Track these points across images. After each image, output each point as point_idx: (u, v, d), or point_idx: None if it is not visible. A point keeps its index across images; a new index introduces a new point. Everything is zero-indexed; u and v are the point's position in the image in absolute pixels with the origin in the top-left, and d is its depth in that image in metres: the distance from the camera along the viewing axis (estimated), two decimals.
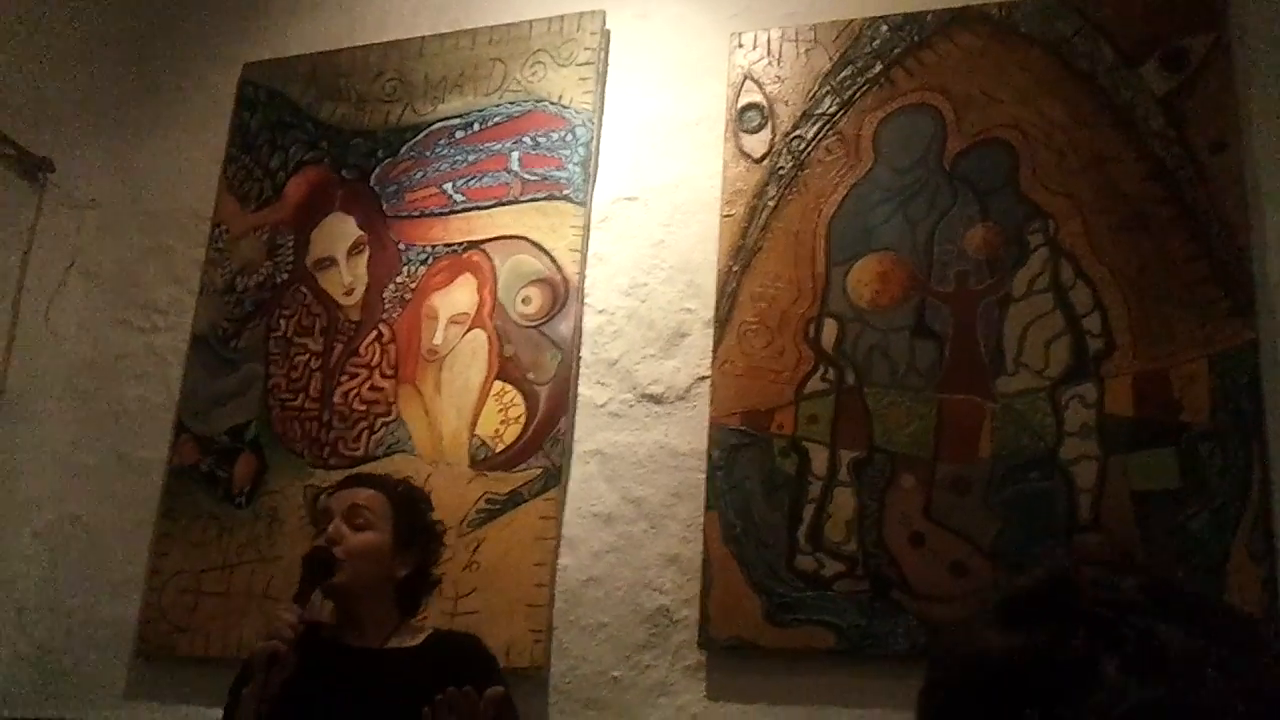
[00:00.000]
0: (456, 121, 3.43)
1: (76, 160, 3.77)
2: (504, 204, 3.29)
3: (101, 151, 3.84)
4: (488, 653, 2.57)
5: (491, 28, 3.49)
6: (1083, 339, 2.70)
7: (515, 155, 3.33)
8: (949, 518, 2.67)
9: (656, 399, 3.02)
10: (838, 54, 3.09)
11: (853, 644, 2.66)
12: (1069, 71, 2.89)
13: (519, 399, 3.09)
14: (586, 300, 3.16)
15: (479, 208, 3.31)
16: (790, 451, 2.82)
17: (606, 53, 3.38)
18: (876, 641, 2.64)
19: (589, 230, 3.21)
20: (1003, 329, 2.76)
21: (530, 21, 3.44)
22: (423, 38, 3.57)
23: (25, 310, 3.60)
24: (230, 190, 3.63)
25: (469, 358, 3.18)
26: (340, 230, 3.46)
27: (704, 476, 2.88)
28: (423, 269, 3.31)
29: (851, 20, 3.11)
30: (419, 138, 3.45)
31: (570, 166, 3.25)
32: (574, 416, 3.07)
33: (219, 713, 2.47)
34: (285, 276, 3.48)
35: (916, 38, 3.03)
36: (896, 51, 3.04)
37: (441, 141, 3.42)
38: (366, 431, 3.21)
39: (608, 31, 3.39)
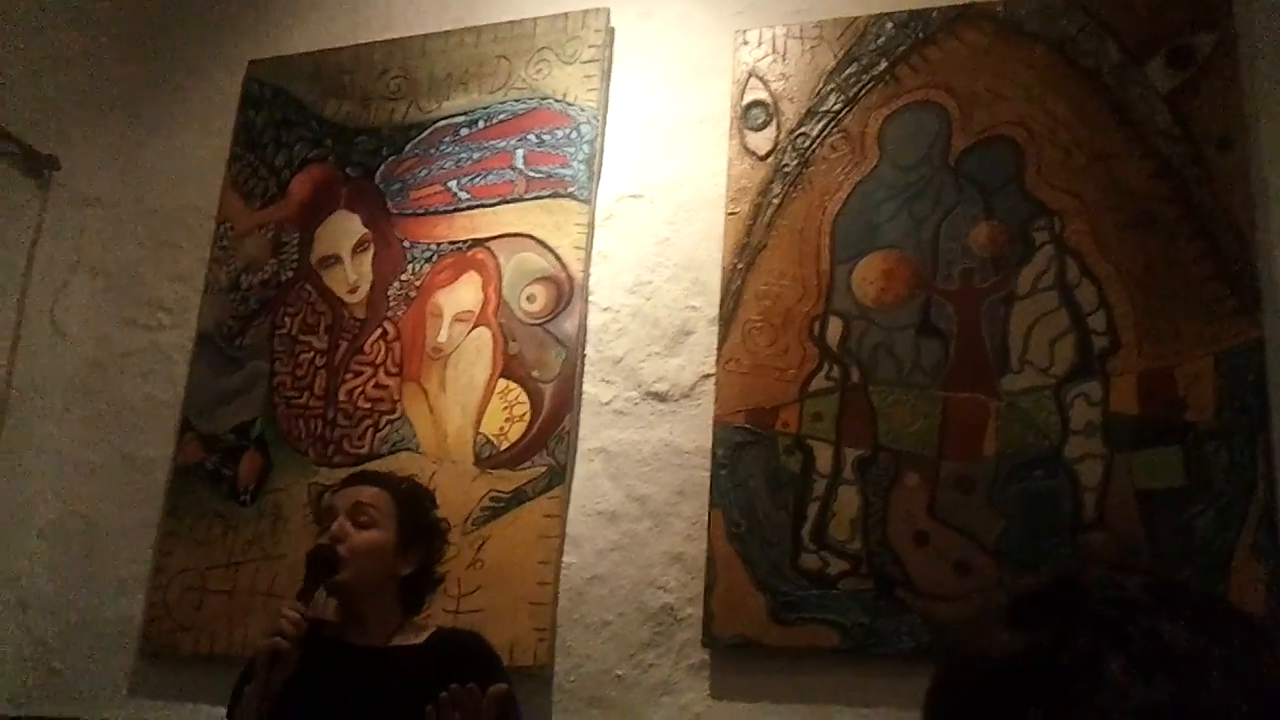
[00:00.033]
0: (461, 119, 3.43)
1: (81, 158, 3.77)
2: (508, 202, 3.29)
3: (106, 149, 3.84)
4: (491, 651, 2.57)
5: (496, 25, 3.49)
6: (1088, 337, 2.69)
7: (520, 153, 3.33)
8: (953, 516, 2.67)
9: (661, 397, 3.02)
10: (842, 51, 3.09)
11: (857, 643, 2.65)
12: (1074, 69, 2.88)
13: (523, 397, 3.09)
14: (591, 298, 3.16)
15: (484, 205, 3.31)
16: (795, 449, 2.82)
17: (611, 50, 3.37)
18: (881, 640, 2.63)
19: (593, 228, 3.21)
20: (1008, 327, 2.75)
21: (535, 19, 3.44)
22: (427, 35, 3.57)
23: (30, 308, 3.60)
24: (235, 188, 3.64)
25: (473, 355, 3.18)
26: (345, 228, 3.46)
27: (708, 474, 2.88)
28: (427, 267, 3.31)
29: (856, 17, 3.10)
30: (423, 135, 3.45)
31: (575, 164, 3.25)
32: (578, 414, 3.07)
33: (223, 711, 2.48)
34: (290, 274, 3.48)
35: (921, 35, 3.03)
36: (901, 49, 3.04)
37: (446, 139, 3.42)
38: (371, 429, 3.21)
39: (612, 29, 3.39)
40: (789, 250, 2.97)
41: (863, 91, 3.04)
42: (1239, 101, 2.75)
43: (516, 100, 3.38)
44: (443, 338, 3.23)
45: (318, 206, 3.52)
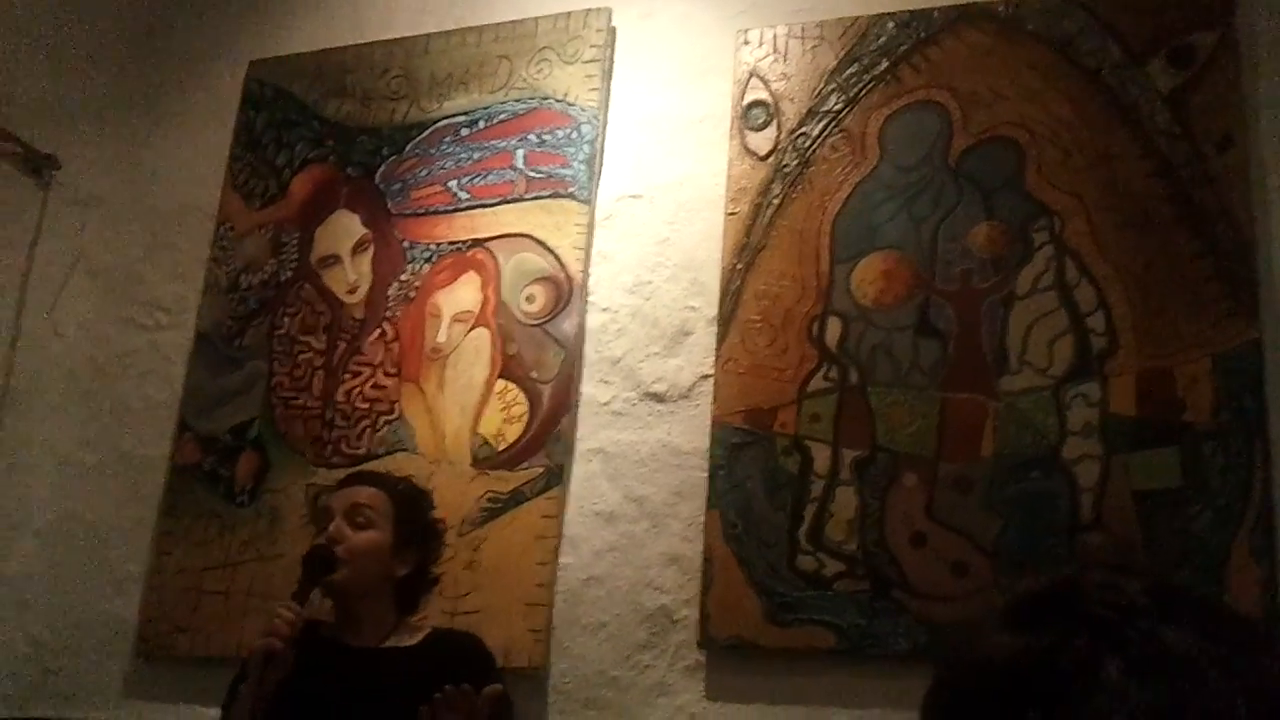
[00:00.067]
0: (462, 119, 3.42)
1: (82, 158, 3.77)
2: (508, 202, 3.28)
3: (107, 149, 3.84)
4: (486, 652, 2.57)
5: (497, 25, 3.49)
6: (1086, 337, 2.69)
7: (520, 153, 3.32)
8: (951, 517, 2.66)
9: (659, 397, 3.02)
10: (844, 51, 3.08)
11: (853, 644, 2.65)
12: (1075, 69, 2.88)
13: (522, 397, 3.09)
14: (590, 298, 3.15)
15: (483, 205, 3.31)
16: (792, 450, 2.81)
17: (612, 50, 3.37)
18: (877, 641, 2.63)
19: (593, 228, 3.21)
20: (1006, 327, 2.74)
21: (536, 19, 3.44)
22: (428, 35, 3.56)
23: (29, 308, 3.61)
24: (235, 188, 3.63)
25: (472, 356, 3.17)
26: (345, 228, 3.46)
27: (706, 475, 2.87)
28: (427, 267, 3.31)
29: (858, 17, 3.10)
30: (424, 135, 3.45)
31: (575, 164, 3.25)
32: (576, 415, 3.06)
33: (219, 712, 2.47)
34: (289, 274, 3.48)
35: (923, 35, 3.02)
36: (903, 49, 3.03)
37: (446, 139, 3.42)
38: (369, 430, 3.21)
39: (613, 29, 3.38)
40: (789, 250, 2.97)
41: (863, 91, 3.03)
42: (1239, 101, 2.74)
43: (517, 100, 3.38)
44: (441, 338, 3.22)
45: (318, 206, 3.52)
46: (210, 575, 3.23)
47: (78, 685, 3.30)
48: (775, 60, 3.15)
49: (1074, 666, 0.73)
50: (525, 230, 3.24)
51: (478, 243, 3.28)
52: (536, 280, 3.19)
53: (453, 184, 3.37)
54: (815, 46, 3.12)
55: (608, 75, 3.34)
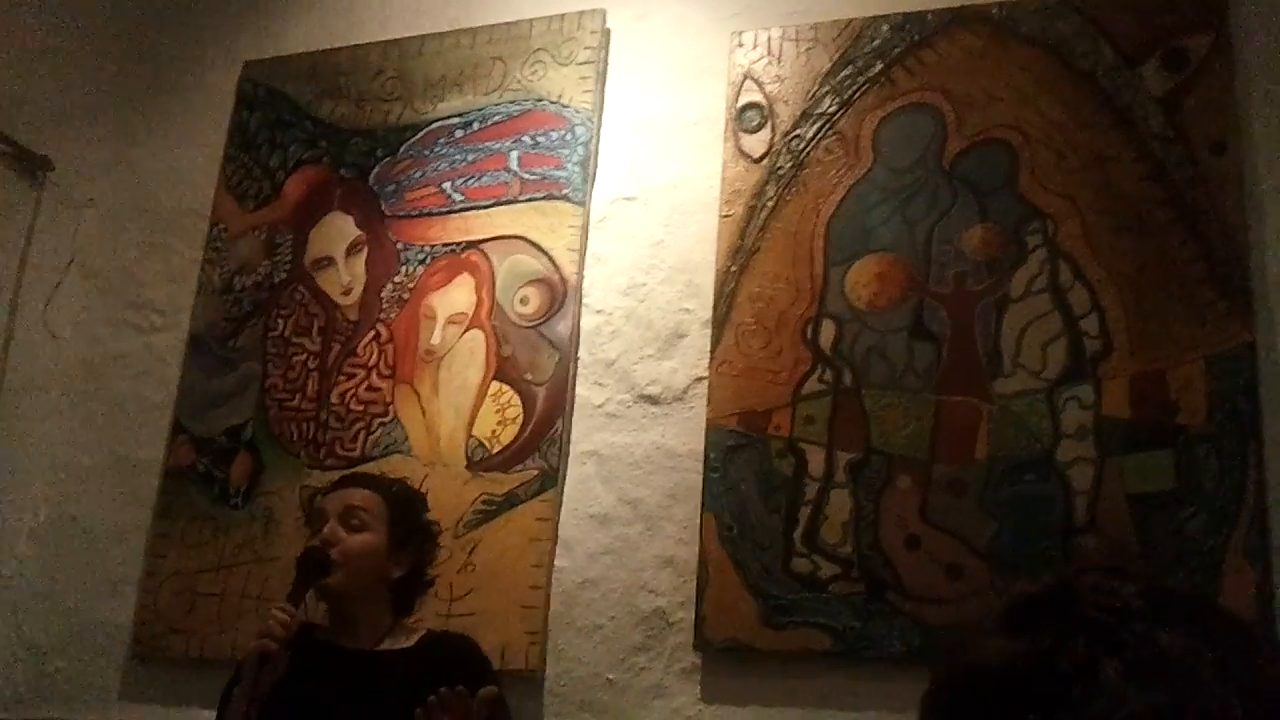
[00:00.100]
0: (456, 120, 3.42)
1: (75, 159, 3.77)
2: (503, 203, 3.28)
3: (100, 150, 3.84)
4: (481, 654, 2.56)
5: (491, 26, 3.49)
6: (1080, 340, 2.69)
7: (514, 155, 3.32)
8: (945, 520, 2.67)
9: (654, 400, 3.02)
10: (838, 53, 3.09)
11: (848, 646, 2.65)
12: (1069, 72, 2.88)
13: (516, 399, 3.09)
14: (585, 300, 3.16)
15: (478, 207, 3.31)
16: (787, 453, 2.82)
17: (606, 52, 3.37)
18: (872, 644, 2.63)
19: (588, 230, 3.21)
20: (1000, 330, 2.75)
21: (530, 20, 3.44)
22: (422, 36, 3.56)
23: (23, 309, 3.60)
24: (229, 189, 3.63)
25: (466, 358, 3.17)
26: (339, 229, 3.46)
27: (700, 478, 2.87)
28: (421, 269, 3.31)
29: (852, 20, 3.10)
30: (418, 137, 3.45)
31: (569, 166, 3.25)
32: (571, 417, 3.07)
33: (214, 714, 2.47)
34: (283, 276, 3.47)
35: (917, 37, 3.03)
36: (897, 51, 3.04)
37: (441, 140, 3.42)
38: (363, 432, 3.21)
39: (608, 30, 3.38)
40: (783, 253, 2.97)
41: (858, 94, 3.04)
42: (1233, 104, 2.75)
43: (511, 102, 3.38)
44: (435, 340, 3.22)
45: (312, 208, 3.51)
46: (205, 577, 3.23)
47: (73, 687, 3.30)
48: (769, 62, 3.15)
49: (1072, 669, 0.73)
50: (519, 232, 3.24)
51: (472, 244, 3.28)
52: (531, 282, 3.19)
53: (447, 186, 3.36)
54: (809, 49, 3.12)
55: (602, 77, 3.34)
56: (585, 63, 3.33)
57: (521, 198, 3.27)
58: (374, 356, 3.27)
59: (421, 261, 3.31)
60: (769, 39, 3.17)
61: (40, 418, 3.59)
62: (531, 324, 3.14)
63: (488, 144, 3.37)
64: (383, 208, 3.42)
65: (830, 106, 3.05)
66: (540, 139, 3.31)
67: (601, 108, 3.32)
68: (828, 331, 2.88)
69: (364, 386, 3.25)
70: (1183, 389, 2.58)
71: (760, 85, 3.13)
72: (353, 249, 3.42)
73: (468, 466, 3.07)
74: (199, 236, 3.62)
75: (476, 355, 3.16)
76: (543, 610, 2.90)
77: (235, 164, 3.65)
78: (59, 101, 3.77)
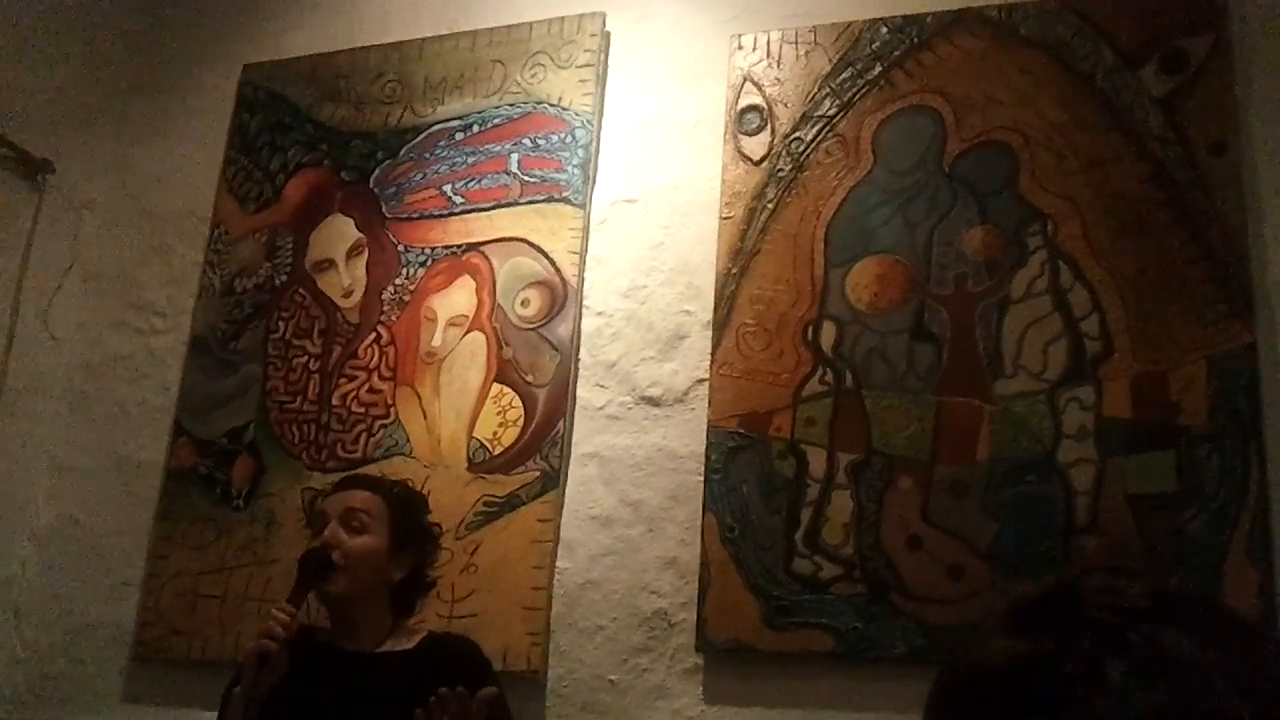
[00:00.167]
0: (456, 123, 3.42)
1: (76, 161, 3.76)
2: (503, 206, 3.29)
3: (101, 153, 3.84)
4: (482, 656, 2.56)
5: (491, 29, 3.49)
6: (1081, 341, 2.70)
7: (515, 157, 3.33)
8: (946, 520, 2.67)
9: (655, 401, 3.02)
10: (837, 56, 3.09)
11: (850, 647, 2.65)
12: (1069, 74, 2.89)
13: (517, 401, 3.09)
14: (585, 302, 3.16)
15: (478, 210, 3.31)
16: (788, 454, 2.82)
17: (606, 55, 3.37)
18: (874, 645, 2.63)
19: (588, 232, 3.21)
20: (1001, 331, 2.75)
21: (530, 23, 3.44)
22: (422, 39, 3.57)
23: (24, 311, 3.59)
24: (230, 192, 3.63)
25: (467, 360, 3.17)
26: (339, 232, 3.46)
27: (702, 479, 2.87)
28: (421, 271, 3.31)
29: (851, 22, 3.11)
30: (418, 139, 3.45)
31: (569, 168, 3.25)
32: (572, 419, 3.07)
33: (215, 716, 2.47)
34: (284, 278, 3.47)
35: (916, 39, 3.03)
36: (896, 53, 3.04)
37: (441, 143, 3.42)
38: (364, 434, 3.21)
39: (607, 33, 3.39)
40: (783, 255, 2.97)
41: (857, 96, 3.04)
42: (1232, 106, 2.75)
43: (511, 105, 3.38)
44: (436, 342, 3.22)
45: (312, 210, 3.52)
46: (206, 579, 3.23)
47: (74, 689, 3.30)
48: (769, 65, 3.15)
49: (1077, 670, 0.73)
50: (520, 234, 3.24)
51: (472, 247, 3.28)
52: (531, 284, 3.19)
53: (447, 188, 3.37)
54: (809, 51, 3.13)
55: (602, 80, 3.34)
56: (585, 65, 3.34)
57: (522, 200, 3.27)
58: (375, 358, 3.28)
59: (422, 264, 3.31)
60: (768, 41, 3.17)
61: (41, 420, 3.59)
62: (532, 326, 3.15)
63: (488, 146, 3.37)
64: (383, 210, 3.42)
65: (830, 109, 3.05)
66: (540, 141, 3.31)
67: (601, 110, 3.32)
68: (828, 333, 2.88)
69: (365, 388, 3.25)
70: (1184, 390, 2.58)
71: (760, 88, 3.14)
72: (353, 251, 3.42)
73: (469, 468, 3.07)
74: (200, 239, 3.63)
75: (477, 357, 3.17)
76: (545, 611, 2.91)
77: (236, 167, 3.65)
78: (59, 104, 3.77)
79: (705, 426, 2.91)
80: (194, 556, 3.26)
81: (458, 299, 3.24)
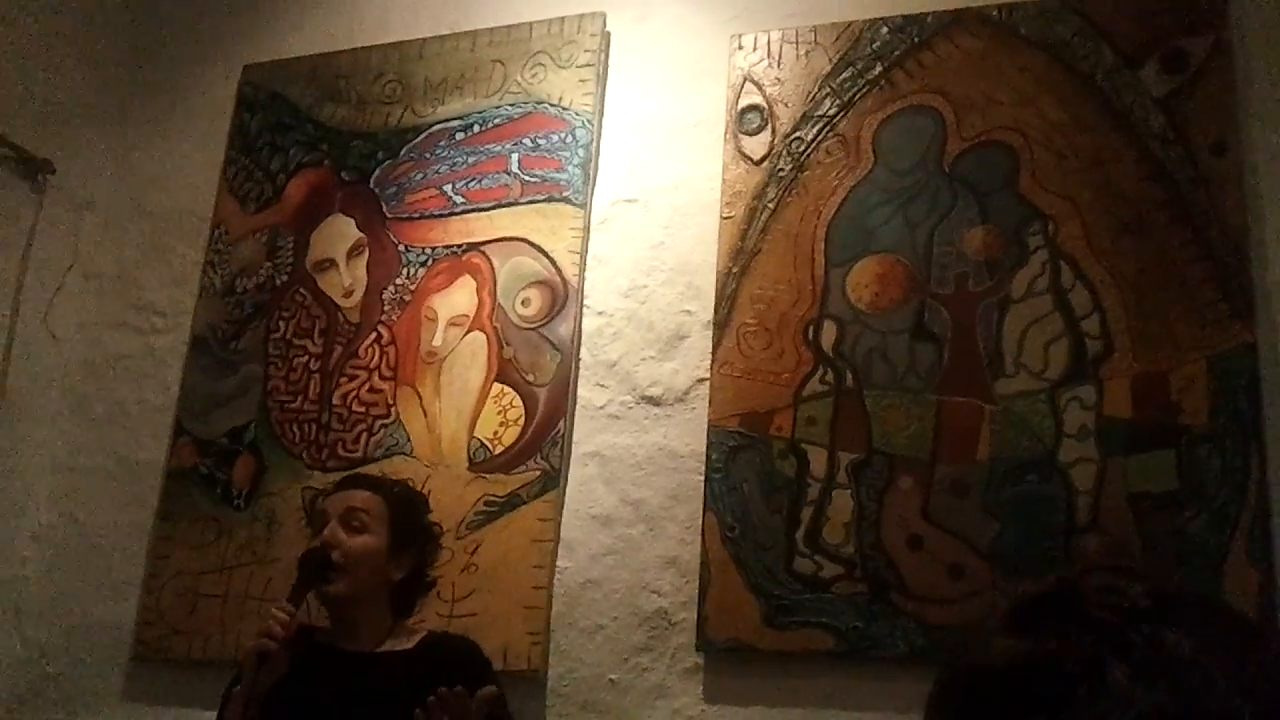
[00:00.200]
0: (456, 123, 3.43)
1: (76, 162, 3.76)
2: (504, 206, 3.29)
3: (101, 153, 3.84)
4: (482, 655, 2.56)
5: (491, 29, 3.49)
6: (1082, 341, 2.70)
7: (515, 157, 3.33)
8: (947, 520, 2.67)
9: (655, 401, 3.02)
10: (838, 55, 3.09)
11: (851, 646, 2.65)
12: (1069, 73, 2.89)
13: (518, 401, 3.09)
14: (586, 302, 3.16)
15: (479, 209, 3.31)
16: (789, 453, 2.82)
17: (606, 54, 3.37)
18: (875, 644, 2.64)
19: (588, 232, 3.21)
20: (1002, 331, 2.75)
21: (530, 23, 3.44)
22: (423, 39, 3.57)
23: (24, 311, 3.59)
24: (230, 192, 3.63)
25: (468, 359, 3.18)
26: (340, 232, 3.46)
27: (702, 479, 2.88)
28: (422, 271, 3.31)
29: (851, 22, 3.11)
30: (419, 139, 3.45)
31: (570, 168, 3.25)
32: (573, 418, 3.07)
33: (215, 715, 2.47)
34: (285, 278, 3.47)
35: (916, 39, 3.03)
36: (896, 53, 3.04)
37: (441, 143, 3.42)
38: (365, 433, 3.21)
39: (608, 33, 3.39)
40: (783, 254, 2.97)
41: (858, 96, 3.04)
42: (1233, 105, 2.75)
43: (512, 104, 3.39)
44: (437, 342, 3.23)
45: (313, 210, 3.52)
46: (207, 578, 3.23)
47: (75, 689, 3.30)
48: (769, 65, 3.15)
49: (1079, 670, 0.73)
50: (520, 234, 3.24)
51: (473, 246, 3.28)
52: (532, 284, 3.19)
53: (448, 188, 3.37)
54: (809, 51, 3.13)
55: (602, 79, 3.35)
56: (585, 65, 3.34)
57: (522, 200, 3.27)
58: (375, 358, 3.28)
59: (423, 263, 3.31)
60: (768, 41, 3.17)
61: (42, 420, 3.59)
62: (533, 325, 3.15)
63: (488, 146, 3.37)
64: (384, 210, 3.42)
65: (830, 108, 3.05)
66: (541, 141, 3.31)
67: (602, 110, 3.32)
68: (829, 333, 2.88)
69: (366, 388, 3.25)
70: (1184, 389, 2.59)
71: (760, 87, 3.14)
72: (354, 251, 3.42)
73: (470, 468, 3.07)
74: (200, 239, 3.63)
75: (478, 357, 3.17)
76: (545, 611, 2.91)
77: (236, 166, 3.65)
78: (60, 104, 3.77)
79: (706, 426, 2.91)
80: (194, 556, 3.26)
81: (458, 299, 3.24)
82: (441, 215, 3.34)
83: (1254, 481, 2.49)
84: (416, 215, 3.37)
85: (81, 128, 3.82)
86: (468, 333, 3.20)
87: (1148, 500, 2.54)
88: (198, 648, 3.17)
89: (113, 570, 3.37)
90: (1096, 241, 2.75)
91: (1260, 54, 2.80)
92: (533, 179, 3.28)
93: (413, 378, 3.21)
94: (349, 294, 3.38)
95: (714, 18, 3.30)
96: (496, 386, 3.12)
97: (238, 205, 3.61)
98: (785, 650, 2.70)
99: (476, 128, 3.40)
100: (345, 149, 3.54)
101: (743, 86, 3.16)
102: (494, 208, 3.29)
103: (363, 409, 3.24)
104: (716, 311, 2.99)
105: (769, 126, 3.09)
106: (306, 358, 3.36)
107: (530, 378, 3.10)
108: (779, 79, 3.13)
